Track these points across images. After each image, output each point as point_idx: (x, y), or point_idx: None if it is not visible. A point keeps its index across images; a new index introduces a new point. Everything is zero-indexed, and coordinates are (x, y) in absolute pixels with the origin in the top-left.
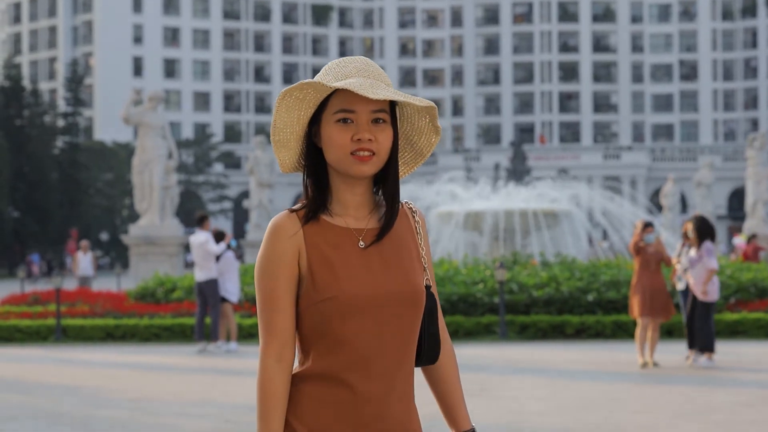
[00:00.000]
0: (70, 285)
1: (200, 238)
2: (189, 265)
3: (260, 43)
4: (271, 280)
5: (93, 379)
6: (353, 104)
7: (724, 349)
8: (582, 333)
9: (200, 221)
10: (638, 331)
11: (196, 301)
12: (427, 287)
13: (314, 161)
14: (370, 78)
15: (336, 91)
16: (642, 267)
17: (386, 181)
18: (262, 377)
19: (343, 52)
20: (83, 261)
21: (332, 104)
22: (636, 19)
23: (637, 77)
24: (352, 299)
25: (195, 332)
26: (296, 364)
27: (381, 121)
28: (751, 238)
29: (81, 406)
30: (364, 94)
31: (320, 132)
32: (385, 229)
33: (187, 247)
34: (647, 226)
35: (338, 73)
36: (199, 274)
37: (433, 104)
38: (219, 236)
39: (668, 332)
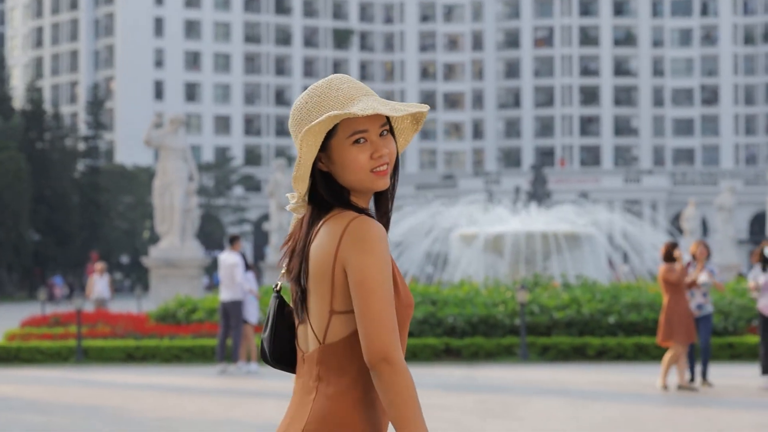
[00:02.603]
0: (88, 308)
1: (231, 259)
2: (209, 287)
3: (281, 67)
4: (390, 284)
5: (114, 400)
6: (365, 124)
7: (748, 371)
8: (603, 355)
9: (231, 242)
10: (674, 356)
11: (220, 322)
12: None
13: (330, 184)
14: (369, 95)
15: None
16: (678, 292)
17: (390, 189)
18: (407, 377)
19: (363, 76)
20: (99, 283)
21: (343, 128)
22: (657, 43)
23: (658, 101)
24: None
25: (216, 353)
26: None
27: (386, 132)
28: None
29: (103, 426)
30: (395, 114)
31: (331, 157)
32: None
33: (207, 270)
34: (674, 247)
35: (339, 97)
36: (225, 294)
37: (426, 108)
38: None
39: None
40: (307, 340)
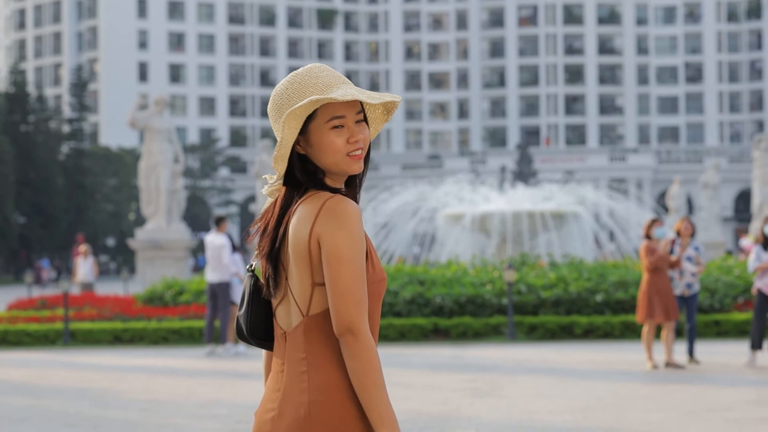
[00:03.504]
0: (74, 291)
1: (218, 241)
2: (195, 269)
3: (265, 48)
4: (362, 260)
5: (102, 382)
6: (343, 110)
7: (734, 349)
8: (590, 333)
9: (217, 223)
10: (651, 334)
11: (207, 303)
12: None
13: (306, 166)
14: (347, 83)
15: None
16: (659, 271)
17: (362, 173)
18: (370, 348)
19: (348, 56)
20: (83, 267)
21: (322, 114)
22: (641, 21)
23: (643, 79)
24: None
25: (204, 334)
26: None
27: (361, 120)
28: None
29: (91, 408)
30: (372, 101)
31: (310, 140)
32: None
33: (193, 251)
34: (653, 223)
35: (318, 84)
36: (212, 275)
37: (399, 98)
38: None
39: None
40: (290, 316)
